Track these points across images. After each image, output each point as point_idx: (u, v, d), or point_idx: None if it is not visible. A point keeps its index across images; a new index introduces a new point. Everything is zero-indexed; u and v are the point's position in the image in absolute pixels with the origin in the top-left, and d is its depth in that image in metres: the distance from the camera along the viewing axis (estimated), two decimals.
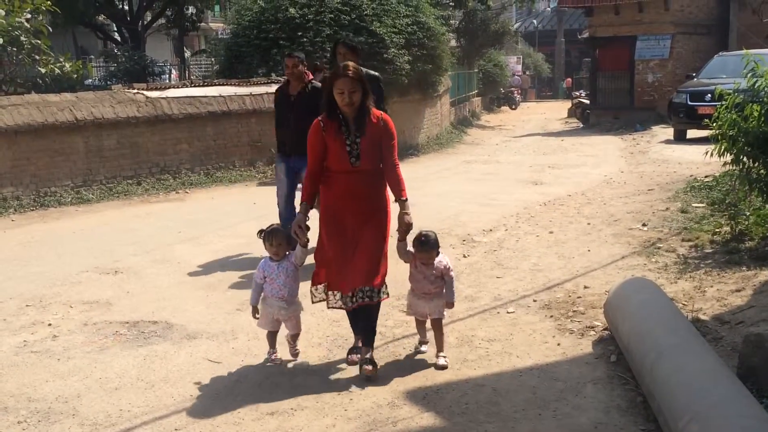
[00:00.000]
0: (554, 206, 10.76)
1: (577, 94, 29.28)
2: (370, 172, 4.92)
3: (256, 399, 4.64)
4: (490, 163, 15.76)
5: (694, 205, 9.82)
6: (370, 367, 4.89)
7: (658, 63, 23.74)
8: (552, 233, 8.97)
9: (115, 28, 29.81)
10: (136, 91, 12.62)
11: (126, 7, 28.34)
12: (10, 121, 10.52)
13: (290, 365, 5.20)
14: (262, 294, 5.16)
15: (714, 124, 7.67)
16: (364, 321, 5.10)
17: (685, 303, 6.01)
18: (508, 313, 6.17)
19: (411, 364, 5.14)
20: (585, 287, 6.74)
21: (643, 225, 9.06)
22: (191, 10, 29.08)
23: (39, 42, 12.99)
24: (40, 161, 10.90)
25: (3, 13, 12.28)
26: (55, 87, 12.99)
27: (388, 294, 5.02)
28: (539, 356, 5.26)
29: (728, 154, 7.53)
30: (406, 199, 4.97)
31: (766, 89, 7.23)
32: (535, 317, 6.07)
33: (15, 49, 12.60)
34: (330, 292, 5.02)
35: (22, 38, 12.61)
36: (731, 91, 7.56)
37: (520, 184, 12.89)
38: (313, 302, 5.12)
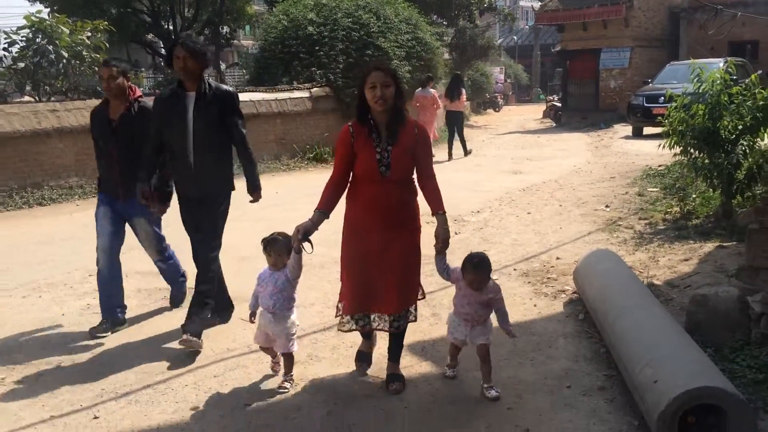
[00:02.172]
0: (531, 191, 10.72)
1: (551, 98, 29.11)
2: (400, 183, 3.88)
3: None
4: (477, 156, 15.69)
5: (649, 189, 9.78)
6: (398, 384, 4.01)
7: (619, 71, 23.58)
8: (530, 214, 8.94)
9: (162, 45, 29.86)
10: None
11: (171, 27, 28.32)
12: (75, 123, 10.51)
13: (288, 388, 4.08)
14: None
15: (666, 122, 7.62)
16: (395, 346, 4.16)
17: (641, 270, 5.99)
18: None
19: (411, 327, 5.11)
20: (557, 258, 6.72)
21: (606, 206, 9.03)
22: (225, 29, 29.02)
23: (98, 56, 12.95)
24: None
25: (68, 31, 12.25)
26: None
27: (416, 317, 4.11)
28: (519, 315, 5.25)
29: (677, 147, 7.50)
30: (444, 213, 3.94)
31: (709, 92, 7.19)
32: (516, 283, 6.06)
33: (78, 62, 12.57)
34: (357, 316, 4.02)
35: (84, 53, 12.57)
36: (680, 94, 7.52)
37: (503, 173, 12.84)
38: (340, 330, 4.15)
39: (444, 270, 4.00)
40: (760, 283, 4.21)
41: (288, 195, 10.13)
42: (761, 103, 6.93)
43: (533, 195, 10.40)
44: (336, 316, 4.19)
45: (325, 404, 3.89)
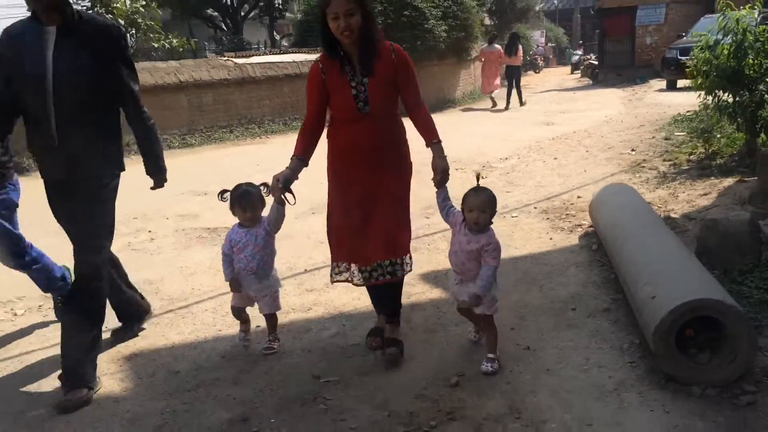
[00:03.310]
0: (560, 140, 10.31)
1: (588, 57, 28.07)
2: (382, 119, 3.21)
3: (300, 283, 4.54)
4: (512, 111, 15.24)
5: (676, 134, 9.28)
6: (394, 350, 3.33)
7: (655, 28, 22.46)
8: (556, 159, 8.59)
9: (221, 19, 29.84)
10: (226, 58, 12.49)
11: (229, 2, 28.24)
12: None
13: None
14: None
15: (691, 62, 7.15)
16: (386, 298, 3.51)
17: (660, 206, 5.67)
18: (512, 217, 5.91)
19: (427, 258, 4.93)
20: (578, 197, 6.41)
21: (632, 150, 8.60)
22: (279, 1, 28.82)
23: (152, 24, 12.97)
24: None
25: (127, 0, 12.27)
26: (166, 59, 12.96)
27: (411, 267, 3.37)
28: (533, 247, 5.03)
29: (702, 88, 7.04)
30: (439, 141, 3.23)
31: (734, 29, 6.68)
32: (534, 219, 5.81)
33: (134, 29, 12.61)
34: (344, 265, 3.39)
35: (139, 20, 12.60)
36: (705, 32, 7.02)
37: (535, 125, 12.39)
38: (332, 282, 3.46)
39: (444, 208, 3.26)
40: None
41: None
42: None
43: (562, 143, 10.00)
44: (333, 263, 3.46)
45: (334, 324, 3.77)
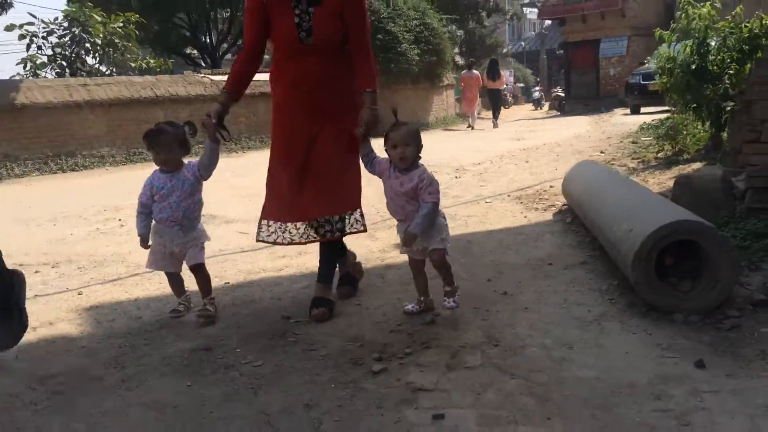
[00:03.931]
0: (531, 150, 10.27)
1: (555, 89, 28.50)
2: (327, 53, 2.83)
3: (272, 250, 4.33)
4: (484, 132, 15.29)
5: (642, 139, 9.32)
6: (320, 310, 2.91)
7: (617, 59, 22.95)
8: (527, 162, 8.54)
9: (200, 57, 29.85)
10: (203, 75, 12.38)
11: (208, 41, 28.27)
12: (105, 96, 10.33)
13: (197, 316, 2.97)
14: (153, 222, 3.03)
15: (654, 61, 7.19)
16: (324, 252, 3.10)
17: None
18: (486, 202, 5.79)
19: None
20: (551, 186, 6.31)
21: (601, 152, 8.60)
22: None
23: (129, 44, 12.84)
24: (129, 128, 10.63)
25: (99, 19, 12.12)
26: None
27: (365, 226, 3.01)
28: (508, 223, 4.90)
29: (668, 85, 7.06)
30: (374, 91, 2.88)
31: (696, 26, 6.75)
32: (508, 204, 5.69)
33: (110, 48, 12.46)
34: (276, 225, 2.97)
35: (116, 40, 12.45)
36: (667, 33, 7.09)
37: (506, 140, 12.38)
38: (257, 240, 3.04)
39: (369, 160, 2.92)
40: (742, 162, 3.80)
41: None
42: (746, 35, 6.48)
43: (533, 152, 9.96)
44: (261, 221, 3.05)
45: (305, 279, 3.57)
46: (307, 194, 2.88)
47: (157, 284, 3.62)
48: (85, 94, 10.09)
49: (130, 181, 8.85)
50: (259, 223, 3.02)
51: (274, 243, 3.02)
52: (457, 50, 26.66)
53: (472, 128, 16.13)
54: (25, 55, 12.12)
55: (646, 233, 2.69)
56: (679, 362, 2.30)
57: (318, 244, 3.09)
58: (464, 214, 5.26)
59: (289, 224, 2.96)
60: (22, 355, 2.63)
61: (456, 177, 7.61)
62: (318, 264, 3.13)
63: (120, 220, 5.75)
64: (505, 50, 41.62)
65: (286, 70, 2.88)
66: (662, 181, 5.71)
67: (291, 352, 2.57)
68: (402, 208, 2.83)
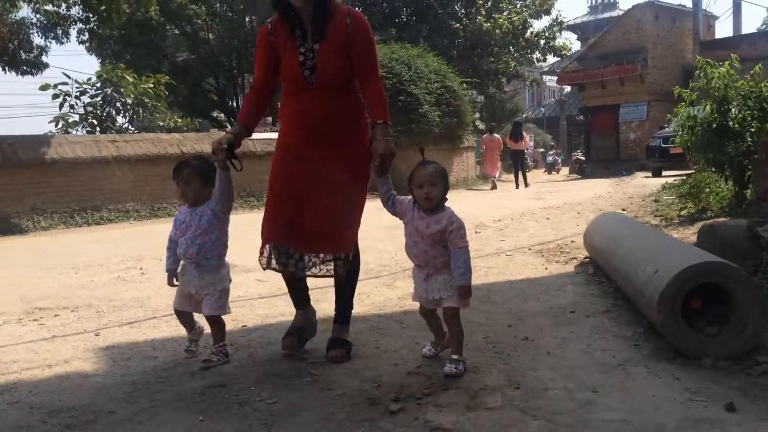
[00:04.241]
0: (552, 209, 10.24)
1: (576, 153, 28.64)
2: (332, 92, 2.78)
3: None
4: (503, 192, 15.33)
5: (664, 197, 9.25)
6: (340, 351, 2.85)
7: (637, 124, 23.09)
8: (548, 219, 8.50)
9: (226, 120, 30.63)
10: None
11: (234, 105, 29.06)
12: (132, 152, 10.56)
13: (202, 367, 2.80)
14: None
15: (675, 119, 7.22)
16: (338, 294, 3.05)
17: None
18: (506, 255, 5.74)
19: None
20: (572, 241, 6.25)
21: (623, 210, 8.52)
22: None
23: (158, 104, 13.23)
24: (154, 183, 10.82)
25: (131, 80, 12.53)
26: None
27: (356, 267, 2.98)
28: (529, 274, 4.84)
29: (689, 143, 7.06)
30: (386, 123, 2.77)
31: (716, 85, 6.78)
32: (529, 257, 5.62)
33: (140, 108, 12.83)
34: (279, 249, 2.83)
35: (146, 100, 12.84)
36: (687, 91, 7.14)
37: (526, 200, 12.39)
38: (264, 268, 2.93)
39: (389, 198, 2.77)
40: (766, 211, 3.74)
41: None
42: (767, 94, 6.50)
43: (554, 210, 9.92)
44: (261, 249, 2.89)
45: (323, 321, 3.51)
46: (309, 225, 2.79)
47: (174, 327, 3.58)
48: (114, 150, 10.33)
49: (153, 234, 8.96)
50: (267, 248, 2.85)
51: (280, 271, 2.92)
52: (477, 115, 27.06)
53: (495, 188, 16.36)
54: (57, 113, 12.52)
55: (672, 274, 2.63)
56: (709, 406, 2.20)
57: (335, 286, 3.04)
58: (484, 265, 5.21)
59: (290, 250, 2.83)
60: (35, 389, 2.60)
61: (476, 232, 7.57)
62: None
63: (141, 269, 5.78)
64: (524, 115, 42.17)
65: (292, 106, 2.86)
66: (686, 236, 5.62)
67: (307, 390, 2.51)
68: (425, 253, 2.67)
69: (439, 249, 2.66)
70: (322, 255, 2.85)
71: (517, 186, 16.70)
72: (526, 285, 4.42)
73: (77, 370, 2.84)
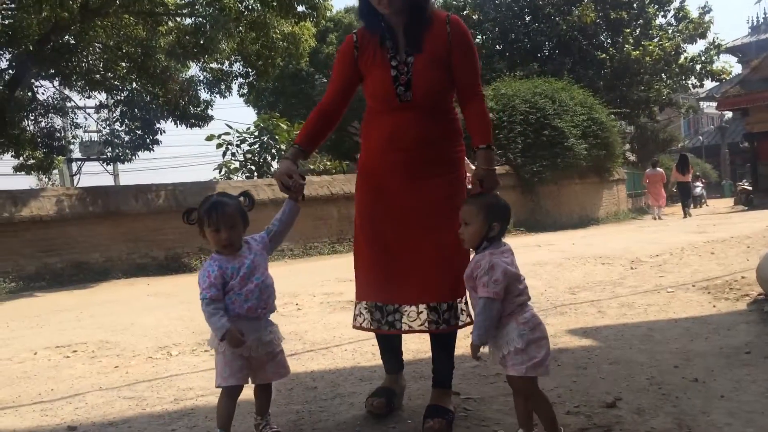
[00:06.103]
0: (716, 242, 9.50)
1: (741, 183, 26.47)
2: (428, 111, 2.43)
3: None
4: (659, 226, 14.47)
5: None
6: (439, 421, 2.37)
7: None
8: (713, 254, 7.90)
9: None
10: None
11: None
12: (286, 194, 11.19)
13: None
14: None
15: None
16: (436, 352, 2.61)
17: None
18: (667, 291, 5.41)
19: (574, 319, 4.56)
20: (743, 277, 5.77)
21: None
22: None
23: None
24: (306, 224, 11.36)
25: (285, 127, 13.36)
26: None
27: (471, 317, 2.46)
28: (694, 312, 4.53)
29: None
30: (490, 147, 2.40)
31: None
32: (693, 294, 5.26)
33: None
34: (371, 306, 2.54)
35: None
36: None
37: (687, 233, 11.58)
38: (354, 327, 2.67)
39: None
40: None
41: None
42: None
43: (718, 244, 9.20)
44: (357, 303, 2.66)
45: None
46: (411, 271, 2.43)
47: (330, 360, 3.76)
48: (270, 194, 11.02)
49: (307, 271, 9.42)
50: (355, 307, 2.62)
51: (373, 330, 2.59)
52: (627, 146, 25.97)
53: (659, 218, 16.80)
54: (220, 161, 13.60)
55: None
56: None
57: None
58: (643, 302, 4.94)
59: (389, 306, 2.50)
60: (210, 415, 2.81)
61: (631, 268, 7.21)
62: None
63: (297, 304, 6.08)
64: (681, 144, 39.77)
65: (379, 126, 2.49)
66: None
67: (462, 425, 2.50)
68: (474, 300, 2.22)
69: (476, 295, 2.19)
70: (423, 305, 2.46)
71: (685, 216, 17.25)
72: (691, 323, 4.13)
73: (246, 398, 3.03)
